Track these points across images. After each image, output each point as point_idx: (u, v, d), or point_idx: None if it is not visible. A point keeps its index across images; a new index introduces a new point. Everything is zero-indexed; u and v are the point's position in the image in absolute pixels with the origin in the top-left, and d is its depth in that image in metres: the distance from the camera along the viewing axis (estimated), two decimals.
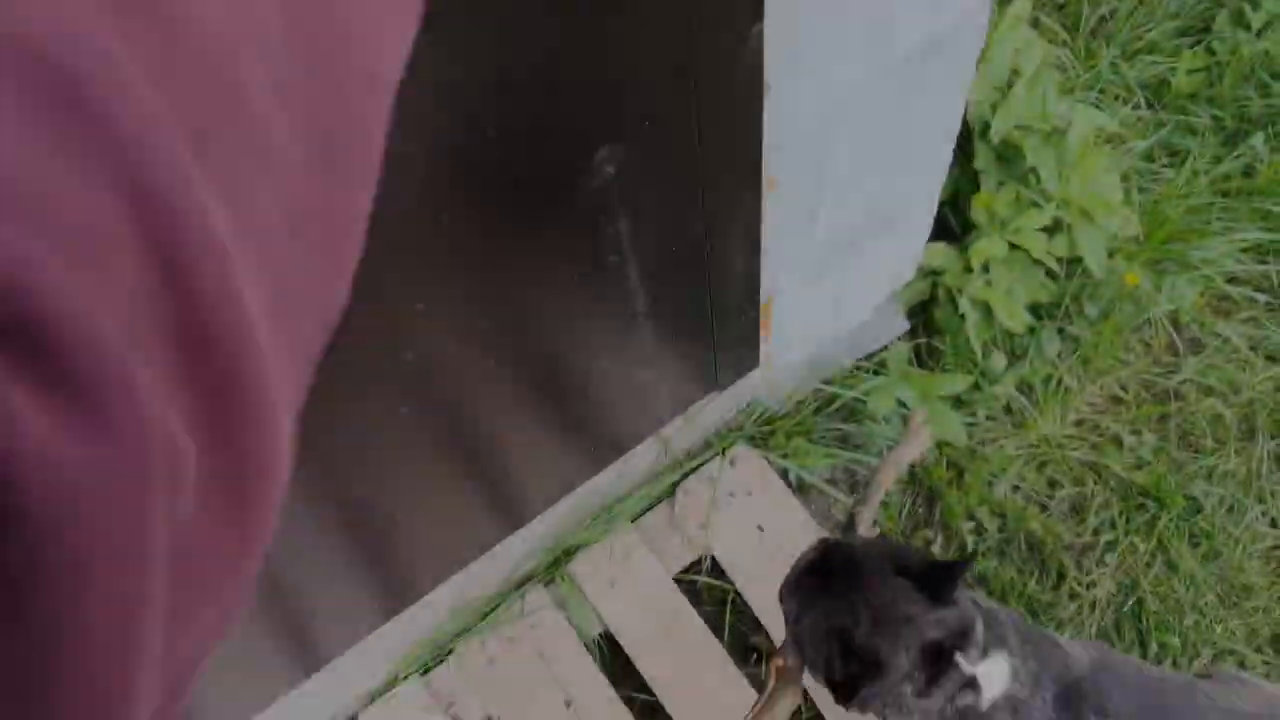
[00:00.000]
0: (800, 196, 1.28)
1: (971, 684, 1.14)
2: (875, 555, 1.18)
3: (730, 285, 1.37)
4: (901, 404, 1.84)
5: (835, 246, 1.47)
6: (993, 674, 1.14)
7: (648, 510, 1.75)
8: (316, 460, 1.17)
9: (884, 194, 1.44)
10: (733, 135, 1.11)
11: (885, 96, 1.22)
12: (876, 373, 1.87)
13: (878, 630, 1.12)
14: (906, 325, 1.87)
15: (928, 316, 1.95)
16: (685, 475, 1.74)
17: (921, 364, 1.92)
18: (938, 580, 1.13)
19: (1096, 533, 1.80)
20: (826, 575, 1.20)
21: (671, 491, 1.74)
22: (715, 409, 1.68)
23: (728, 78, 1.03)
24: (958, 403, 1.88)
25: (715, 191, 1.16)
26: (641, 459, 1.66)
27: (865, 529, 1.43)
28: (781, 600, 1.26)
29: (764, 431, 1.77)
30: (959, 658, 1.12)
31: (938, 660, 1.12)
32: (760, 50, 1.00)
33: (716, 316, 1.44)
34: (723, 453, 1.74)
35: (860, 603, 1.13)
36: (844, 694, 1.13)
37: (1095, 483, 1.83)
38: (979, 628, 1.15)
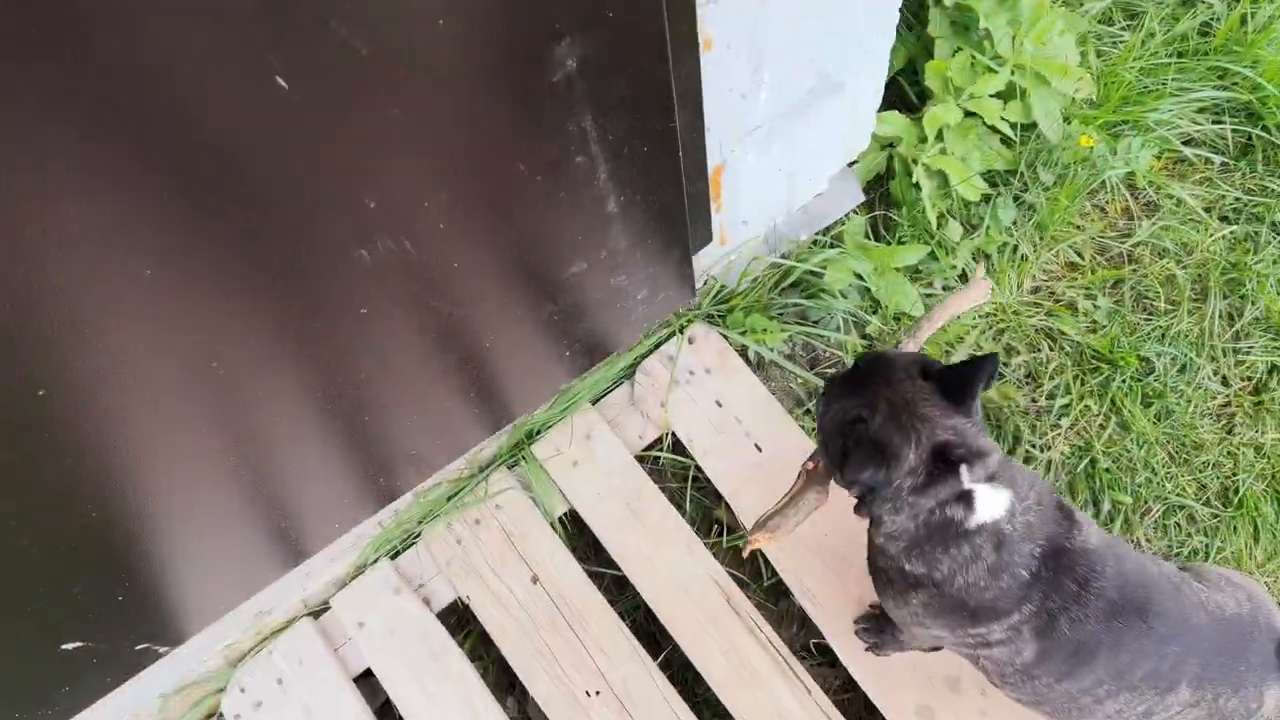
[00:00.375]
0: (739, 55, 1.25)
1: (966, 499, 1.16)
2: (904, 361, 1.21)
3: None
4: (859, 277, 1.84)
5: (782, 111, 1.44)
6: (990, 500, 1.17)
7: (608, 392, 1.75)
8: (298, 366, 1.16)
9: (829, 54, 1.41)
10: None
11: None
12: (833, 247, 1.87)
13: (892, 422, 1.15)
14: (862, 197, 1.86)
15: (885, 190, 1.93)
16: (644, 355, 1.75)
17: (879, 238, 1.91)
18: (958, 381, 1.16)
19: (1051, 397, 1.82)
20: (856, 377, 1.23)
21: (631, 372, 1.74)
22: None
23: None
24: (915, 274, 1.88)
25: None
26: None
27: (916, 343, 1.43)
28: (817, 405, 1.28)
29: (722, 310, 1.77)
30: (963, 469, 1.15)
31: (943, 463, 1.14)
32: None
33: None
34: (680, 331, 1.74)
35: (880, 398, 1.16)
36: (849, 475, 1.16)
37: (1051, 348, 1.85)
38: (994, 460, 1.18)
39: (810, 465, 1.31)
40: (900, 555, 1.21)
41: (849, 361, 1.83)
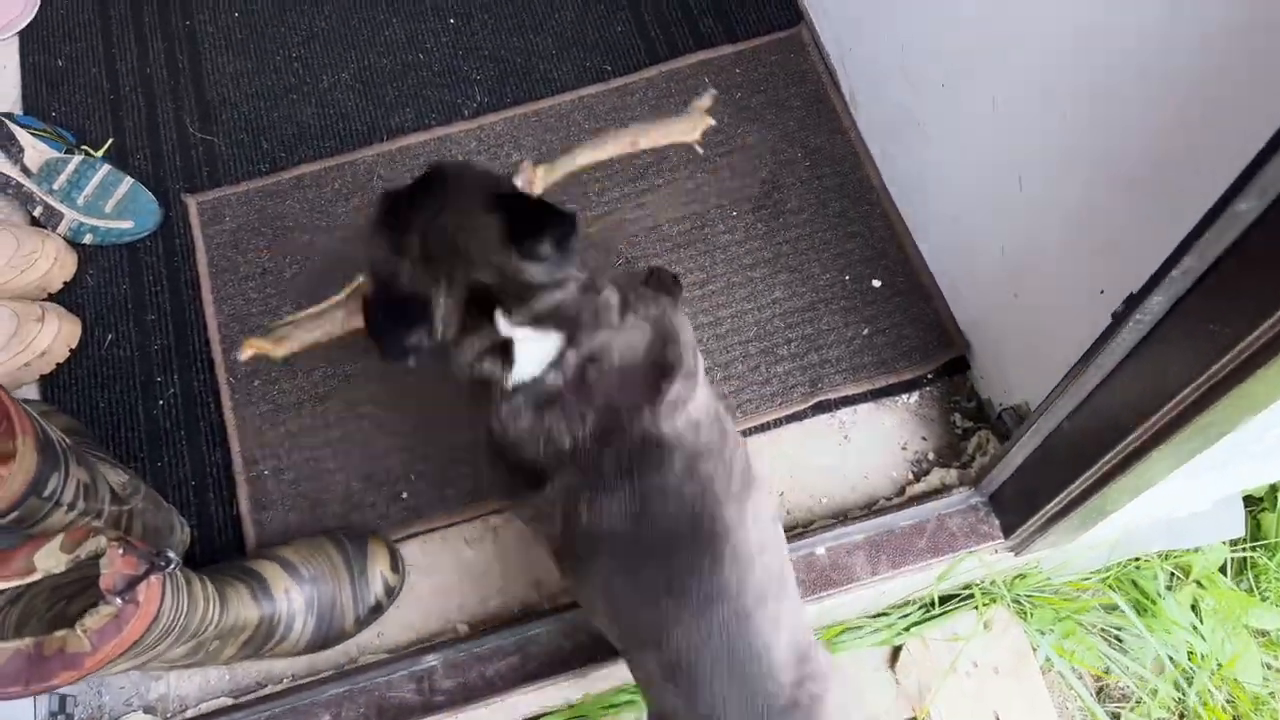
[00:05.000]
0: None
1: (504, 350, 0.95)
2: (473, 181, 1.00)
3: None
4: (1195, 620, 1.51)
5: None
6: (530, 351, 0.95)
7: (873, 644, 1.47)
8: None
9: None
10: None
11: None
12: (1175, 570, 1.54)
13: (424, 265, 0.95)
14: (1241, 531, 1.53)
15: (1255, 518, 1.60)
16: (926, 619, 1.46)
17: (1233, 574, 1.57)
18: (529, 227, 0.94)
19: None
20: (414, 194, 1.00)
21: (906, 632, 1.46)
22: (991, 560, 1.38)
23: None
24: (1262, 633, 1.54)
25: None
26: (899, 582, 1.38)
27: (525, 182, 1.15)
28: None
29: (1033, 598, 1.47)
30: (498, 313, 0.94)
31: (476, 307, 0.94)
32: None
33: None
34: (979, 609, 1.45)
35: (419, 230, 0.96)
36: (388, 350, 0.97)
37: None
38: (553, 297, 0.95)
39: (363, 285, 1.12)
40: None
41: (1149, 705, 1.50)
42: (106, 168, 1.55)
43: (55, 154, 1.53)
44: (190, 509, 1.40)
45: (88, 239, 1.54)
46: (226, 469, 1.42)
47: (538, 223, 0.95)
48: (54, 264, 1.50)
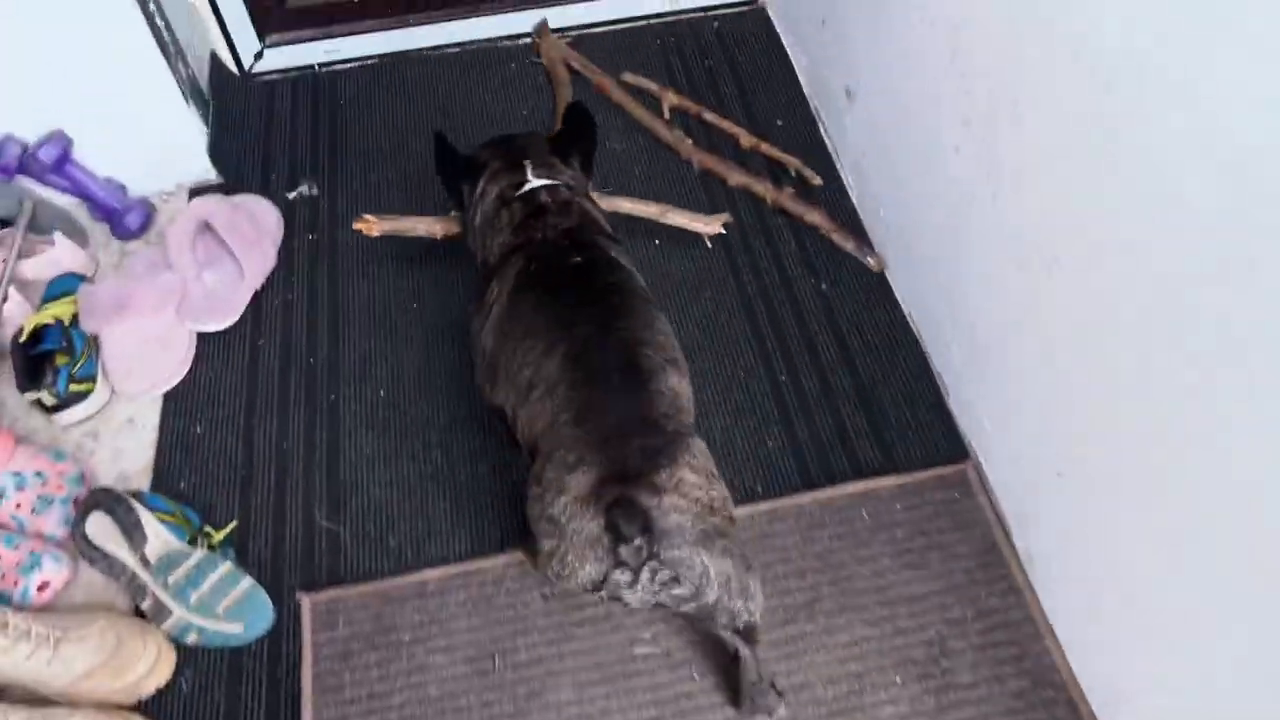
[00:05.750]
0: None
1: (523, 185, 1.47)
2: (539, 134, 1.64)
3: None
4: None
5: None
6: (540, 179, 1.47)
7: None
8: None
9: None
10: None
11: None
12: None
13: (497, 156, 1.54)
14: None
15: None
16: None
17: None
18: (563, 140, 1.61)
19: None
20: (501, 140, 1.62)
21: None
22: None
23: None
24: None
25: None
26: None
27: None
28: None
29: None
30: (527, 164, 1.49)
31: (514, 163, 1.51)
32: None
33: None
34: None
35: (502, 148, 1.57)
36: (446, 180, 1.63)
37: None
38: (569, 176, 1.52)
39: (454, 215, 1.77)
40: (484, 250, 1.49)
41: None
42: (226, 565, 1.46)
43: (177, 544, 1.45)
44: None
45: (192, 639, 1.42)
46: None
47: (567, 139, 1.60)
48: (152, 667, 1.37)
